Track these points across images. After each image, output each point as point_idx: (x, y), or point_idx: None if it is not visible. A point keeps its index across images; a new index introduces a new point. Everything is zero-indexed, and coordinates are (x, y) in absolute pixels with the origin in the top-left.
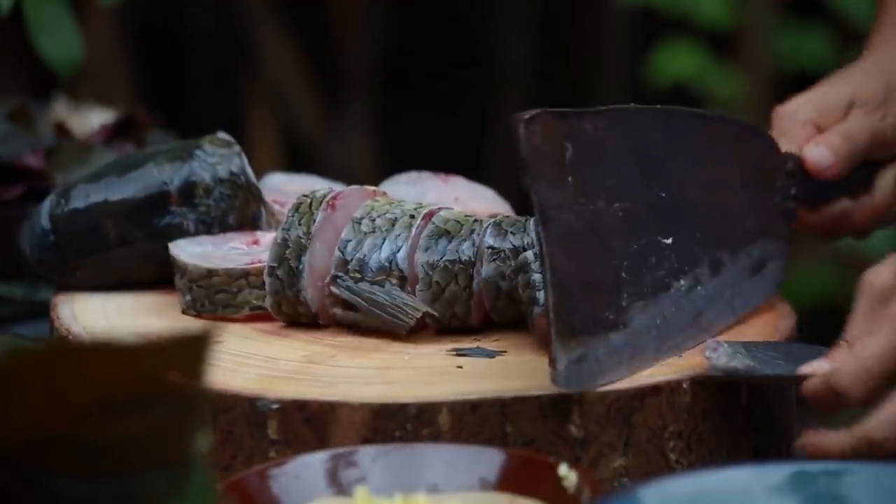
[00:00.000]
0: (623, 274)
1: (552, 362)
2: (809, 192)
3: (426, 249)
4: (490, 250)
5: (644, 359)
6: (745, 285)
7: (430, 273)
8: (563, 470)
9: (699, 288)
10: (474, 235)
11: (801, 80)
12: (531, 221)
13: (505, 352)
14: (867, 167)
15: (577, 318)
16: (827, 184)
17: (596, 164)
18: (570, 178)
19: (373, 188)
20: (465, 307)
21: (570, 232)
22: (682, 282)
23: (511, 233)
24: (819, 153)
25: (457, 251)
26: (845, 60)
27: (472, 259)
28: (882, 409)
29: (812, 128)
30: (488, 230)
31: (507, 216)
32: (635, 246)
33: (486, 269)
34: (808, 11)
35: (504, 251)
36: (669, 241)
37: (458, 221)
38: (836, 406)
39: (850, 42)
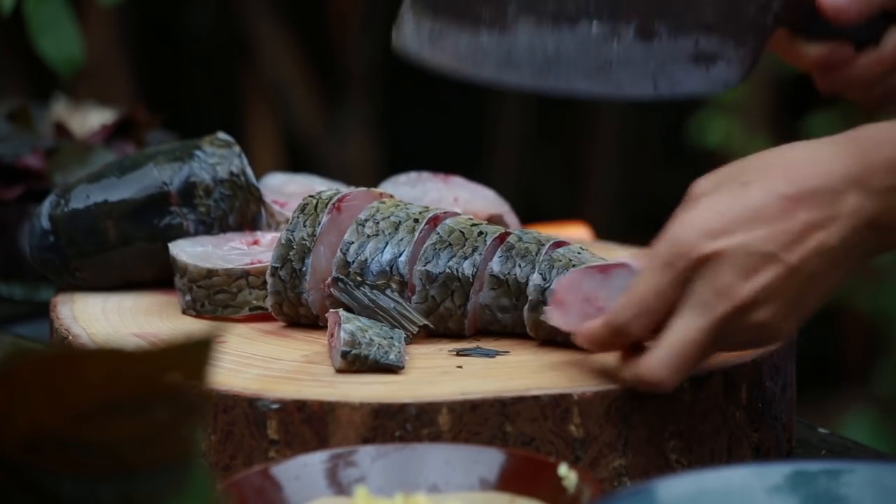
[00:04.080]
0: None
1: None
2: (803, 21)
3: (426, 262)
4: (493, 279)
5: (520, 73)
6: (676, 67)
7: (427, 287)
8: (563, 470)
9: (615, 42)
10: (476, 254)
11: (801, 81)
12: (543, 249)
13: (505, 352)
14: (882, 19)
15: None
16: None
17: None
18: None
19: (380, 191)
20: (459, 324)
21: None
22: (594, 24)
23: (519, 265)
24: None
25: (457, 268)
26: None
27: (471, 279)
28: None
29: None
30: (497, 255)
31: (520, 234)
32: None
33: (486, 294)
34: None
35: (507, 283)
36: None
37: (462, 233)
38: (620, 346)
39: None
